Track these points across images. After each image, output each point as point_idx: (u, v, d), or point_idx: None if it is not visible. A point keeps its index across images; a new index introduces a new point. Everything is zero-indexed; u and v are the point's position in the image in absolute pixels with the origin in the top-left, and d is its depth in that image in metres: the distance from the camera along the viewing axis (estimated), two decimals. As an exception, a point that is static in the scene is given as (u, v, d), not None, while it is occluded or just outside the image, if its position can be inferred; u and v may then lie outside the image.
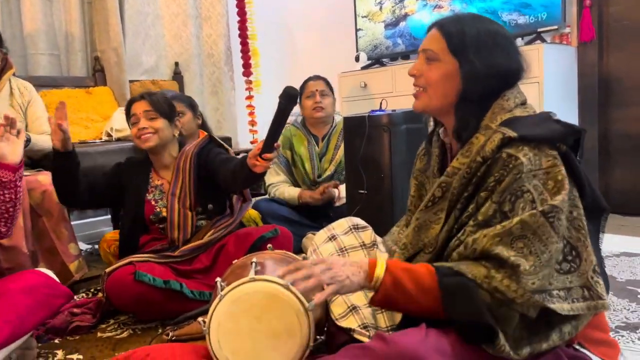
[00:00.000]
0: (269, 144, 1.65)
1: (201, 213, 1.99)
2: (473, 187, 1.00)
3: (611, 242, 2.44)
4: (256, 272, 1.17)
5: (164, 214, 1.94)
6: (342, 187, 2.60)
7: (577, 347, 0.99)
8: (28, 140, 2.14)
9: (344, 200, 2.55)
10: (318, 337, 1.14)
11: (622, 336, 1.47)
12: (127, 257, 1.83)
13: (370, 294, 1.01)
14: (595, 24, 3.02)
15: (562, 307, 0.92)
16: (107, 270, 1.79)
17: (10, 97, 2.23)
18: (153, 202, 1.98)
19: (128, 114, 1.99)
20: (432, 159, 1.18)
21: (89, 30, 3.17)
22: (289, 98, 1.59)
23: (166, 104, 1.98)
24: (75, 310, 1.81)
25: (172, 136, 1.99)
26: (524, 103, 1.07)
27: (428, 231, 1.09)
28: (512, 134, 0.96)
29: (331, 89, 2.83)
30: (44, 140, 2.26)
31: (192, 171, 1.97)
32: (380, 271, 0.98)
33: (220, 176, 1.91)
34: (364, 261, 1.00)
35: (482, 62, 1.04)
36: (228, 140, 3.06)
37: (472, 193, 1.01)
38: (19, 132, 1.52)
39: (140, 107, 1.94)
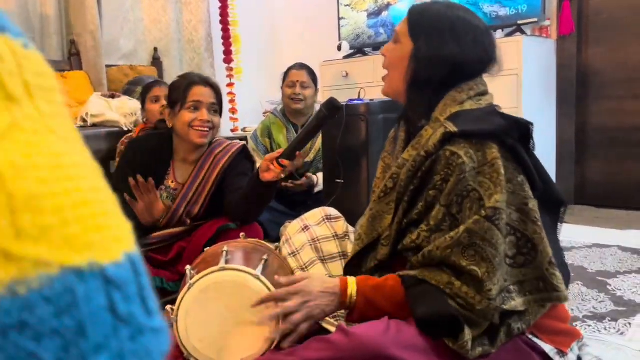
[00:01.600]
0: (292, 150, 1.55)
1: (199, 219, 1.87)
2: (419, 181, 1.01)
3: (584, 234, 2.48)
4: (227, 261, 1.16)
5: (163, 220, 1.80)
6: (321, 175, 2.60)
7: (530, 336, 1.01)
8: None
9: (321, 187, 2.56)
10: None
11: (589, 326, 1.49)
12: None
13: None
14: (574, 17, 3.05)
15: (516, 303, 0.94)
16: None
17: None
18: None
19: (184, 95, 1.75)
20: (398, 142, 1.19)
21: (64, 13, 3.10)
22: (331, 109, 1.53)
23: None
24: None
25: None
26: (481, 94, 1.07)
27: (381, 222, 1.10)
28: (453, 128, 0.97)
29: (314, 79, 2.80)
30: None
31: (215, 184, 1.83)
32: (351, 291, 1.01)
33: (226, 202, 1.79)
34: (335, 285, 1.02)
35: (431, 47, 1.04)
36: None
37: (419, 187, 1.02)
38: None
39: (207, 96, 1.76)
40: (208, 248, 1.35)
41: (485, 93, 1.08)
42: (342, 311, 1.16)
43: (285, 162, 1.56)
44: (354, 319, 1.02)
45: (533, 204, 0.97)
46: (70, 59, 3.06)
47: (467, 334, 0.91)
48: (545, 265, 0.96)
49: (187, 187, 1.83)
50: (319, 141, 2.70)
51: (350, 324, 1.14)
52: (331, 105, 1.53)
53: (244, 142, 1.96)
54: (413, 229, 1.02)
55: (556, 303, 0.98)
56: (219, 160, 1.85)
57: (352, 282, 1.01)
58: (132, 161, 1.80)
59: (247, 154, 1.94)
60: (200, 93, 1.76)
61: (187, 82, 1.78)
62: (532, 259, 0.96)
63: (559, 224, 1.06)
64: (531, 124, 1.02)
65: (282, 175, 1.61)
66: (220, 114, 1.83)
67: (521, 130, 1.01)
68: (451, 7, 1.09)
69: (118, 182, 1.78)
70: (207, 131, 1.76)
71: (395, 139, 1.22)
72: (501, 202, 0.93)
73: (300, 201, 2.69)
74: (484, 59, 1.06)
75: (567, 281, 1.01)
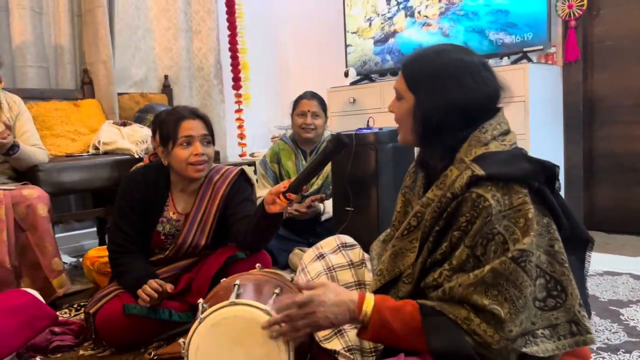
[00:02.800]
0: (299, 184, 1.56)
1: (209, 248, 1.87)
2: (444, 222, 1.01)
3: (594, 261, 2.45)
4: (238, 295, 1.16)
5: (169, 252, 1.82)
6: (328, 202, 2.61)
7: None
8: (17, 147, 2.13)
9: (329, 215, 2.56)
10: (299, 361, 1.13)
11: (604, 358, 1.48)
12: (110, 286, 1.77)
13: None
14: (580, 44, 3.08)
15: (545, 348, 0.92)
16: (92, 310, 1.67)
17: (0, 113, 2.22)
18: (162, 237, 1.83)
19: (174, 131, 1.73)
20: (418, 178, 1.20)
21: (78, 43, 3.16)
22: (338, 145, 1.55)
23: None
24: (56, 329, 1.79)
25: None
26: (505, 133, 1.07)
27: (404, 259, 1.10)
28: (481, 172, 0.97)
29: (324, 108, 2.83)
30: (32, 151, 2.25)
31: (218, 212, 1.84)
32: (367, 308, 1.00)
33: (233, 231, 1.80)
34: (351, 300, 1.02)
35: (433, 97, 1.05)
36: (217, 154, 3.06)
37: (444, 228, 1.02)
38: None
39: (197, 129, 1.75)
40: (223, 280, 1.35)
41: (508, 132, 1.08)
42: (357, 348, 1.16)
43: (292, 195, 1.57)
44: (366, 336, 1.01)
45: (559, 246, 0.97)
46: (83, 87, 3.11)
47: None
48: (576, 307, 0.95)
49: (192, 219, 1.83)
50: (326, 168, 2.72)
51: (368, 354, 1.14)
52: (338, 141, 1.55)
53: (241, 167, 1.97)
54: (436, 268, 1.02)
55: (589, 345, 0.97)
56: (219, 188, 1.85)
57: (370, 298, 1.01)
58: (130, 196, 1.80)
59: (245, 178, 1.94)
60: (190, 127, 1.74)
61: (175, 117, 1.76)
62: (562, 301, 0.95)
63: (586, 262, 1.06)
64: (557, 166, 1.02)
65: (289, 208, 1.62)
66: (213, 143, 1.82)
67: (547, 173, 1.01)
68: (440, 51, 1.09)
69: (117, 218, 1.80)
70: (203, 165, 1.76)
71: (415, 174, 1.23)
72: (529, 244, 0.93)
73: (308, 228, 2.70)
74: (490, 93, 1.06)
75: (589, 316, 1.01)
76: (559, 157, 3.16)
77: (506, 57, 3.10)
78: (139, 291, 1.63)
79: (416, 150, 1.24)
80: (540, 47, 2.97)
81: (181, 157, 1.74)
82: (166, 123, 1.78)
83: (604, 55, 3.10)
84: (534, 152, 2.40)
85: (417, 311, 0.97)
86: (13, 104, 2.29)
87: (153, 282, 1.64)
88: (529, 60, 2.97)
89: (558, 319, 0.95)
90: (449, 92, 1.03)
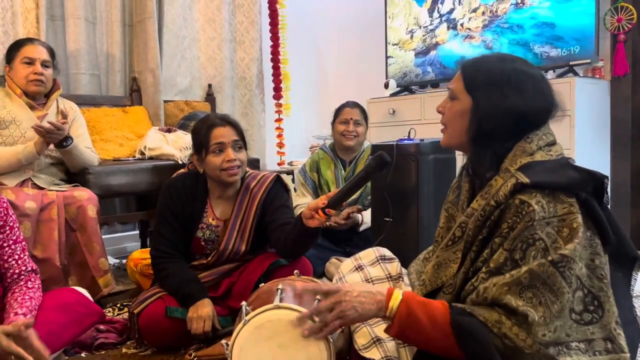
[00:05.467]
0: (338, 200, 1.56)
1: (249, 253, 1.91)
2: (487, 231, 1.00)
3: (642, 282, 2.37)
4: (281, 299, 1.18)
5: (211, 258, 1.86)
6: (366, 213, 2.61)
7: None
8: (71, 139, 2.22)
9: (368, 225, 2.56)
10: (339, 367, 1.14)
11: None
12: (154, 288, 1.82)
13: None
14: (629, 58, 2.99)
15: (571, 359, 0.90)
16: (136, 310, 1.72)
17: (57, 116, 2.33)
18: (202, 243, 1.88)
19: (206, 140, 1.78)
20: (462, 192, 1.19)
21: (128, 52, 3.29)
22: (380, 163, 1.55)
23: (243, 131, 1.86)
24: (101, 327, 1.85)
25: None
26: (551, 144, 1.06)
27: (447, 270, 1.09)
28: (525, 180, 0.95)
29: (366, 117, 2.85)
30: (83, 149, 2.35)
31: (255, 218, 1.87)
32: (395, 302, 0.99)
33: (273, 239, 1.83)
34: (380, 291, 1.01)
35: (492, 101, 1.03)
36: (256, 161, 3.11)
37: (487, 237, 1.01)
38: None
39: (228, 135, 1.79)
40: (263, 284, 1.38)
41: (554, 143, 1.07)
42: (397, 356, 1.15)
43: (331, 211, 1.57)
44: (392, 329, 1.00)
45: (600, 261, 0.95)
46: (132, 94, 3.23)
47: None
48: (613, 324, 0.93)
49: (231, 225, 1.86)
50: (366, 178, 2.72)
51: (389, 338, 1.13)
52: (381, 159, 1.55)
53: (277, 174, 2.00)
54: (476, 275, 1.01)
55: None
56: (256, 194, 1.89)
57: (398, 291, 1.01)
58: (170, 203, 1.85)
59: (281, 184, 1.96)
60: (221, 134, 1.78)
61: (206, 125, 1.81)
62: (598, 317, 0.93)
63: (632, 279, 1.03)
64: (606, 177, 1.00)
65: (327, 223, 1.61)
66: (245, 148, 1.85)
67: (595, 183, 0.99)
68: (504, 58, 1.10)
69: (159, 224, 1.85)
70: (236, 170, 1.79)
71: (459, 189, 1.23)
72: (572, 250, 0.91)
73: (345, 237, 2.70)
74: (547, 107, 1.06)
75: (638, 339, 0.98)
76: (605, 173, 3.05)
77: (552, 71, 3.04)
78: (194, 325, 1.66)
79: (458, 163, 1.23)
80: (588, 60, 2.90)
81: (214, 164, 1.79)
82: (198, 132, 1.83)
83: (655, 69, 3.01)
84: (580, 167, 2.34)
85: (446, 308, 0.96)
86: (70, 110, 2.40)
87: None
88: (575, 74, 2.91)
89: (594, 334, 0.93)
90: (508, 98, 1.03)
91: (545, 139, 1.05)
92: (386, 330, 1.02)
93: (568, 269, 0.91)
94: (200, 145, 1.81)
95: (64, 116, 2.20)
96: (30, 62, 2.25)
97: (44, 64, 2.29)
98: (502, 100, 1.03)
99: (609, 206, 1.02)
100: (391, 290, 1.01)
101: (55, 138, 2.13)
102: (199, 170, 1.87)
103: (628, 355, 0.93)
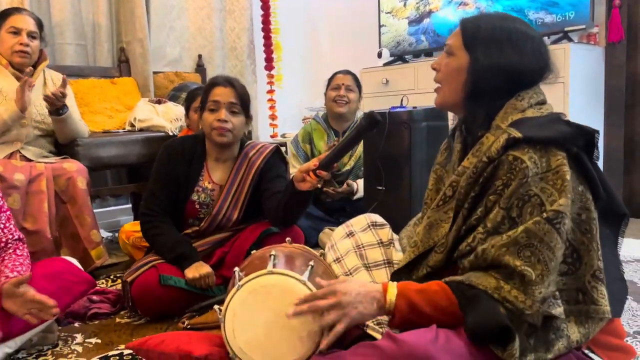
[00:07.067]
0: (330, 161, 1.55)
1: (242, 222, 1.91)
2: (480, 188, 1.00)
3: (633, 247, 2.40)
4: (274, 265, 1.18)
5: (204, 223, 1.85)
6: (361, 182, 2.60)
7: (587, 351, 0.98)
8: (67, 107, 2.19)
9: (361, 195, 2.56)
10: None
11: (641, 342, 1.44)
12: (147, 257, 1.81)
13: None
14: (624, 24, 2.96)
15: (561, 310, 0.92)
16: (129, 279, 1.72)
17: (44, 87, 2.28)
18: (197, 206, 1.87)
19: (205, 96, 1.80)
20: (454, 153, 1.18)
21: (115, 22, 3.21)
22: (371, 122, 1.52)
23: (249, 99, 1.84)
24: (94, 297, 1.85)
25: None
26: (541, 103, 1.06)
27: (438, 230, 1.09)
28: (517, 134, 0.96)
29: (359, 85, 2.83)
30: (78, 120, 2.32)
31: (251, 186, 1.87)
32: (391, 296, 0.98)
33: (266, 207, 1.83)
34: (376, 289, 1.00)
35: (490, 58, 1.03)
36: (249, 133, 3.08)
37: (479, 193, 1.01)
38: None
39: (225, 96, 1.78)
40: (255, 251, 1.37)
41: (544, 102, 1.07)
42: (386, 323, 1.16)
43: (322, 173, 1.56)
44: (395, 323, 1.00)
45: (587, 215, 0.95)
46: (120, 65, 3.16)
47: (517, 343, 0.89)
48: (588, 277, 0.94)
49: (227, 190, 1.86)
50: (359, 148, 2.71)
51: (395, 330, 1.13)
52: (371, 118, 1.53)
53: (276, 144, 1.99)
54: (470, 234, 1.01)
55: (594, 317, 0.95)
56: (254, 163, 1.88)
57: (392, 286, 1.00)
58: (167, 163, 1.85)
59: (280, 155, 1.97)
60: (219, 93, 1.78)
61: (210, 83, 1.84)
62: (574, 269, 0.95)
63: (619, 237, 1.03)
64: (597, 131, 1.00)
65: (318, 185, 1.62)
66: (244, 114, 1.83)
67: (586, 138, 0.99)
68: (505, 18, 1.10)
69: (153, 184, 1.85)
70: (225, 131, 1.78)
71: (448, 150, 1.21)
72: (565, 206, 0.92)
73: (338, 208, 2.70)
74: (542, 67, 1.06)
75: (625, 296, 0.98)
76: (599, 141, 3.05)
77: (546, 37, 3.00)
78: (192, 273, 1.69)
79: (450, 127, 1.22)
80: (583, 26, 2.87)
81: (207, 121, 1.81)
82: (204, 90, 1.86)
83: (650, 35, 2.98)
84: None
85: (443, 290, 0.96)
86: (57, 82, 2.35)
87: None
88: (570, 40, 2.87)
89: (566, 284, 0.94)
90: (507, 56, 1.03)
91: (536, 97, 1.06)
92: (389, 324, 1.02)
93: (562, 224, 0.92)
94: (203, 102, 1.84)
95: (64, 83, 2.15)
96: (17, 32, 2.19)
97: (31, 35, 2.22)
98: (501, 58, 1.03)
99: (596, 163, 1.01)
100: (385, 285, 1.01)
101: (60, 104, 2.13)
102: (201, 127, 1.88)
103: (602, 307, 0.95)
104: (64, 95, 2.10)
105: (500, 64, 1.03)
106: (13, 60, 2.20)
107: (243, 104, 1.82)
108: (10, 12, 2.24)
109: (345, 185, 2.63)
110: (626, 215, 1.04)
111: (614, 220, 1.03)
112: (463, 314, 0.94)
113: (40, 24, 2.29)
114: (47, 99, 2.09)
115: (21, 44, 2.18)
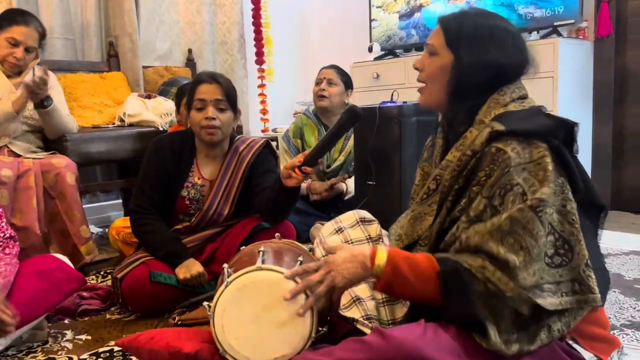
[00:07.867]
0: (314, 157, 1.55)
1: (233, 218, 1.90)
2: (463, 180, 1.01)
3: (621, 240, 2.43)
4: (263, 261, 1.18)
5: (195, 219, 1.85)
6: (350, 181, 2.61)
7: (570, 342, 0.99)
8: (51, 99, 2.15)
9: (352, 194, 2.56)
10: (321, 328, 1.15)
11: (627, 334, 1.46)
12: (137, 254, 1.81)
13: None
14: (613, 18, 2.98)
15: (552, 302, 0.93)
16: (119, 275, 1.72)
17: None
18: (187, 202, 1.85)
19: (191, 94, 1.79)
20: (436, 149, 1.19)
21: (104, 16, 3.18)
22: (351, 117, 1.52)
23: (235, 93, 1.82)
24: (84, 293, 1.84)
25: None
26: (523, 97, 1.08)
27: (422, 223, 1.10)
28: (501, 127, 0.97)
29: (345, 79, 2.81)
30: (64, 113, 2.29)
31: (242, 181, 1.86)
32: (380, 261, 0.99)
33: (256, 202, 1.83)
34: (362, 252, 1.02)
35: (474, 56, 1.04)
36: (239, 128, 3.07)
37: (463, 186, 1.02)
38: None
39: (211, 93, 1.75)
40: (244, 247, 1.37)
41: (526, 96, 1.08)
42: (375, 317, 1.17)
43: (307, 169, 1.56)
44: (379, 285, 1.01)
45: (571, 206, 0.96)
46: (109, 60, 3.14)
47: (493, 334, 0.90)
48: (582, 267, 0.95)
49: (217, 186, 1.85)
50: (349, 144, 2.71)
51: (385, 325, 1.14)
52: (352, 113, 1.52)
53: (267, 138, 1.98)
54: (454, 225, 1.02)
55: (591, 305, 0.97)
56: (244, 158, 1.88)
57: (382, 249, 1.01)
58: (155, 159, 1.84)
59: (270, 149, 1.95)
60: (205, 91, 1.76)
61: (195, 80, 1.81)
62: (568, 260, 0.95)
63: (599, 229, 1.05)
64: (577, 124, 1.01)
65: (305, 181, 1.62)
66: (232, 110, 1.81)
67: (566, 131, 1.00)
68: (485, 15, 1.10)
69: (142, 180, 1.84)
70: (214, 129, 1.76)
71: (433, 146, 1.22)
72: (547, 194, 0.93)
73: (329, 203, 2.70)
74: (523, 62, 1.08)
75: (607, 286, 1.00)
76: (587, 135, 3.08)
77: (535, 32, 3.02)
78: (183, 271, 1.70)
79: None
80: (571, 21, 2.88)
81: (195, 120, 1.79)
82: (189, 88, 1.84)
83: (638, 30, 3.00)
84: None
85: (431, 261, 0.97)
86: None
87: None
88: (559, 34, 2.89)
89: (562, 276, 0.95)
90: (490, 53, 1.04)
91: (518, 92, 1.07)
92: (373, 287, 1.03)
93: (545, 212, 0.93)
94: (189, 101, 1.82)
95: (45, 71, 2.11)
96: (15, 44, 2.16)
97: (28, 49, 2.20)
98: (484, 55, 1.04)
99: (588, 171, 1.02)
100: (375, 250, 1.01)
101: (42, 94, 2.07)
102: (188, 126, 1.86)
103: (597, 296, 0.96)
104: (44, 82, 2.03)
105: (484, 61, 1.04)
106: (3, 65, 2.19)
107: (229, 99, 1.80)
108: (16, 21, 2.17)
109: (332, 189, 2.63)
110: (604, 208, 1.05)
111: (593, 212, 1.04)
112: (442, 299, 0.95)
113: (43, 35, 2.26)
114: (26, 87, 2.03)
115: (15, 57, 2.16)
